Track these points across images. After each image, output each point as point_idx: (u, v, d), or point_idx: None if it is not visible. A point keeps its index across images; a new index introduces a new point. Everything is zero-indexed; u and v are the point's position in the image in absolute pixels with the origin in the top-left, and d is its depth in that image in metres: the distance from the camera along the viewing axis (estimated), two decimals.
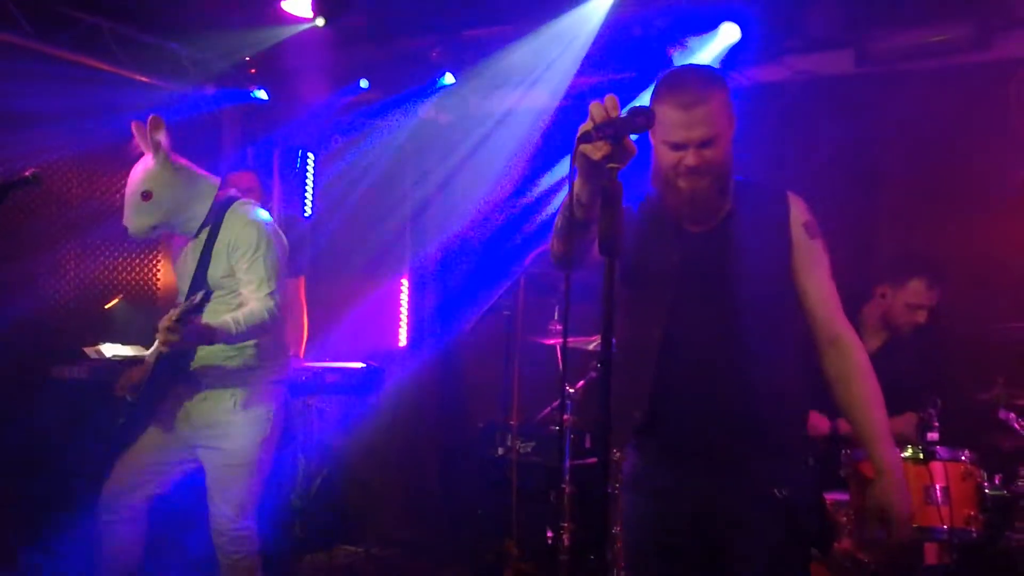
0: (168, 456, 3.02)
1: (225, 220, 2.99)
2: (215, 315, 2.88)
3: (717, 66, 4.23)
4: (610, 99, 1.65)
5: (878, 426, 2.01)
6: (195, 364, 2.97)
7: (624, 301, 1.98)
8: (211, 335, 2.79)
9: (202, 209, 2.99)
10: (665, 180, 1.99)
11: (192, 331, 2.69)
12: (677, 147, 1.95)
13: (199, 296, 2.65)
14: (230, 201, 3.05)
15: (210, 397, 2.99)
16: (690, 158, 1.94)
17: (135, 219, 2.97)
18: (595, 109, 1.65)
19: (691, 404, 1.97)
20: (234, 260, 2.94)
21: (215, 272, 2.97)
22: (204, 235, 3.00)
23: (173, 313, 2.63)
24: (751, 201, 2.05)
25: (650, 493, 2.02)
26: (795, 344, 2.03)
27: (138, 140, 3.00)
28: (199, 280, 2.97)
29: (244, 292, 2.94)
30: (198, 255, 2.99)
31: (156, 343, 2.78)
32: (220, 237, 2.97)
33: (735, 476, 1.94)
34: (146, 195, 2.92)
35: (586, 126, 1.66)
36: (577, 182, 1.72)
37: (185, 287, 3.02)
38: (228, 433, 2.97)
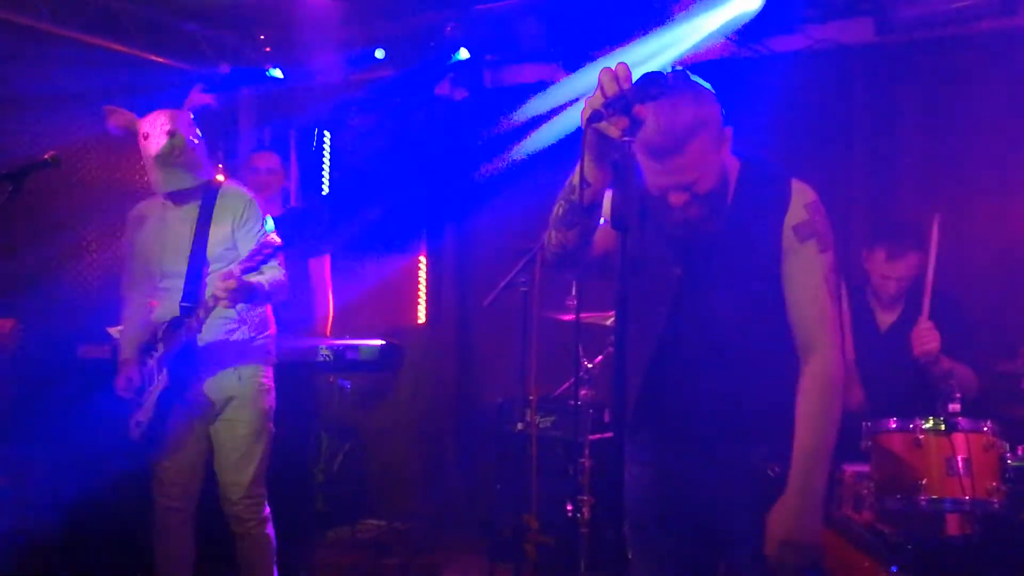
0: (204, 429, 3.11)
1: (223, 195, 3.10)
2: (211, 287, 2.98)
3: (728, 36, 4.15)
4: (621, 68, 1.56)
5: (810, 452, 1.86)
6: (201, 342, 3.04)
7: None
8: (250, 290, 2.92)
9: (200, 176, 3.07)
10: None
11: (242, 286, 2.84)
12: (658, 187, 1.82)
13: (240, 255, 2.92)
14: (219, 183, 3.16)
15: (218, 374, 3.09)
16: (673, 198, 1.82)
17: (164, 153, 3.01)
18: (606, 80, 1.56)
19: (680, 398, 1.94)
20: (242, 231, 3.06)
21: (215, 244, 3.06)
22: (193, 209, 3.07)
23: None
24: (753, 194, 1.91)
25: (644, 470, 2.00)
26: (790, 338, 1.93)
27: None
28: (199, 251, 3.05)
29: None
30: (191, 227, 3.06)
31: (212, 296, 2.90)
32: (219, 209, 3.06)
33: (727, 459, 1.92)
34: (172, 133, 3.01)
35: (594, 102, 1.56)
36: (586, 163, 1.63)
37: (174, 256, 3.06)
38: (241, 405, 3.08)
